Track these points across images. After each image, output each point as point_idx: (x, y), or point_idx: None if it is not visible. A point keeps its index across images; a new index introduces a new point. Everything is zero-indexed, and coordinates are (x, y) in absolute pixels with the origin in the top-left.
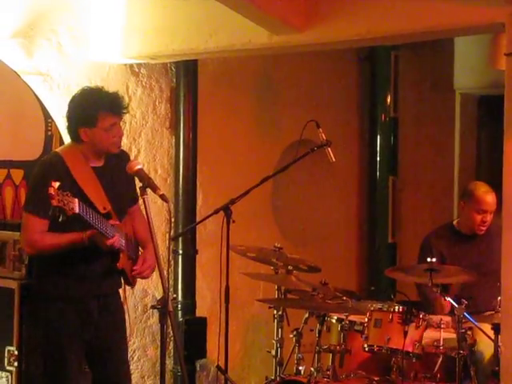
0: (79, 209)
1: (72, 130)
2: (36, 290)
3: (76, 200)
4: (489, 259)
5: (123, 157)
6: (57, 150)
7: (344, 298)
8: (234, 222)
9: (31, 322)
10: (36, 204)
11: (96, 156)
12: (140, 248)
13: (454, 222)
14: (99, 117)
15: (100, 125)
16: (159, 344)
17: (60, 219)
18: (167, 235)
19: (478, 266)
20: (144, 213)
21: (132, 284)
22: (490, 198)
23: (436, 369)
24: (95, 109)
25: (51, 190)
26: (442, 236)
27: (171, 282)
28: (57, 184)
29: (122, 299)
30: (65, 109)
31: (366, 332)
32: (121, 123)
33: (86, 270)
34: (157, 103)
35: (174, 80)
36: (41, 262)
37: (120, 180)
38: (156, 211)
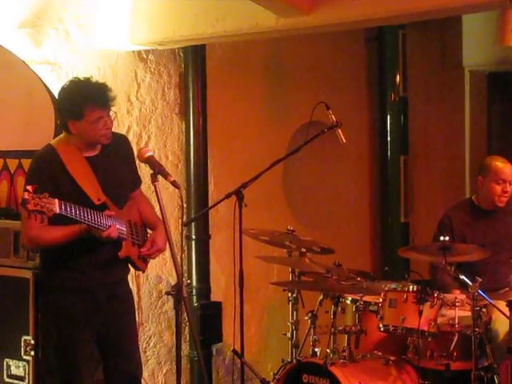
0: (60, 208)
1: (61, 121)
2: (44, 281)
3: (56, 200)
4: (507, 235)
5: (121, 141)
6: (51, 142)
7: (358, 278)
8: (246, 205)
9: (43, 311)
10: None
11: (88, 146)
12: (149, 230)
13: (473, 198)
14: (85, 110)
15: (86, 118)
16: (175, 330)
17: (42, 221)
18: (180, 221)
19: (498, 242)
20: (156, 199)
21: (141, 269)
22: (507, 168)
23: (452, 347)
24: (81, 102)
25: (25, 195)
26: (463, 211)
27: (185, 267)
28: (33, 187)
29: (133, 284)
30: None
31: (380, 312)
32: (111, 114)
33: (90, 260)
34: (166, 89)
35: (183, 65)
36: (45, 255)
37: (119, 166)
38: (168, 197)
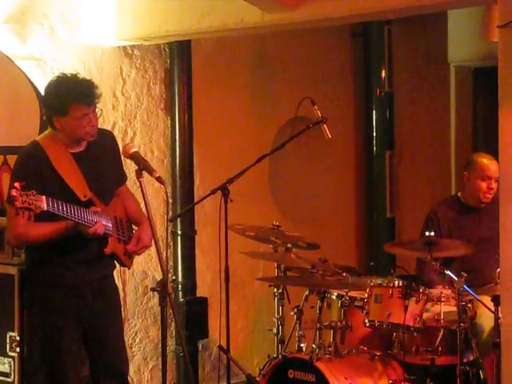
0: (48, 205)
1: (47, 117)
2: (29, 277)
3: (43, 197)
4: (494, 231)
5: (106, 137)
6: (36, 138)
7: (344, 274)
8: (231, 201)
9: (28, 307)
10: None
11: (74, 142)
12: (134, 226)
13: (459, 194)
14: (70, 107)
15: (71, 114)
16: (160, 325)
17: (29, 218)
18: (165, 217)
19: (483, 238)
20: (141, 195)
21: (127, 266)
22: (492, 165)
23: (437, 342)
24: (67, 98)
25: (13, 192)
26: (449, 208)
27: (171, 263)
28: (20, 184)
29: (119, 280)
30: None
31: (366, 307)
32: (96, 111)
33: (76, 257)
34: (151, 84)
35: (168, 61)
36: (30, 251)
37: (105, 162)
38: (153, 193)
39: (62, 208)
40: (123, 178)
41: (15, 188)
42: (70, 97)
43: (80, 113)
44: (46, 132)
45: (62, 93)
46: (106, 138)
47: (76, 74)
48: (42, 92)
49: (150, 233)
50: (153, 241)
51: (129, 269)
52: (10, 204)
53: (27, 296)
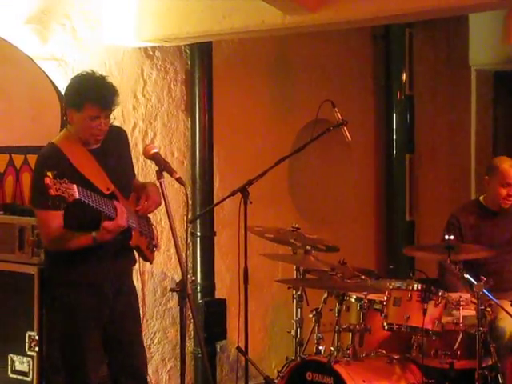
0: (79, 193)
1: (65, 106)
2: (50, 277)
3: (74, 186)
4: None
5: (120, 134)
6: (52, 140)
7: (363, 276)
8: (251, 203)
9: (49, 307)
10: (42, 199)
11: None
12: (141, 198)
13: (481, 198)
14: (85, 104)
15: (84, 112)
16: (179, 326)
17: (61, 208)
18: (185, 218)
19: (506, 242)
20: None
21: (150, 260)
22: None
23: (456, 346)
24: (84, 95)
25: (47, 181)
26: (471, 212)
27: (190, 264)
28: (53, 173)
29: (138, 281)
30: None
31: (385, 311)
32: (111, 117)
33: (99, 252)
34: (172, 86)
35: (189, 62)
36: (51, 250)
37: (121, 157)
38: (173, 194)
39: (92, 198)
40: (134, 174)
41: (48, 177)
42: (88, 95)
43: (92, 113)
44: (61, 133)
45: (82, 88)
46: (119, 135)
47: (104, 76)
48: (63, 92)
49: (159, 191)
50: (172, 241)
51: (151, 263)
52: (38, 206)
53: (48, 296)
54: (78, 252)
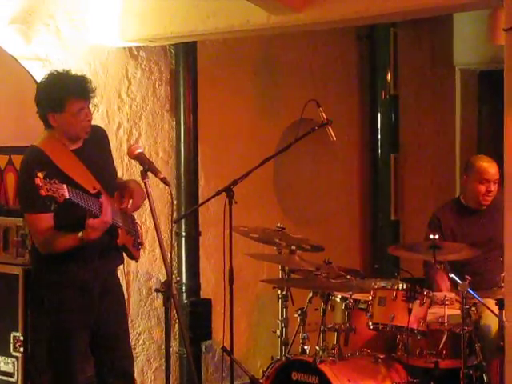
0: (69, 193)
1: (41, 115)
2: (37, 277)
3: (64, 186)
4: (496, 234)
5: (100, 133)
6: (34, 143)
7: (348, 276)
8: (236, 203)
9: (35, 308)
10: (31, 203)
11: (70, 139)
12: (125, 196)
13: (460, 197)
14: (67, 101)
15: (68, 109)
16: (164, 327)
17: (52, 208)
18: (170, 218)
19: (487, 241)
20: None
21: (136, 258)
22: (491, 168)
23: (441, 345)
24: (63, 93)
25: (38, 181)
26: (451, 211)
27: (175, 264)
28: (42, 173)
29: (123, 281)
30: None
31: (370, 310)
32: (90, 107)
33: (85, 253)
34: (156, 86)
35: (174, 62)
36: (37, 250)
37: (103, 156)
38: (158, 194)
39: (81, 197)
40: (117, 173)
41: (38, 177)
42: (67, 92)
43: (77, 107)
44: (42, 135)
45: (57, 88)
46: (99, 135)
47: (68, 70)
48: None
49: (140, 185)
50: (157, 242)
51: (137, 261)
52: (27, 209)
53: (34, 296)
54: (65, 252)
